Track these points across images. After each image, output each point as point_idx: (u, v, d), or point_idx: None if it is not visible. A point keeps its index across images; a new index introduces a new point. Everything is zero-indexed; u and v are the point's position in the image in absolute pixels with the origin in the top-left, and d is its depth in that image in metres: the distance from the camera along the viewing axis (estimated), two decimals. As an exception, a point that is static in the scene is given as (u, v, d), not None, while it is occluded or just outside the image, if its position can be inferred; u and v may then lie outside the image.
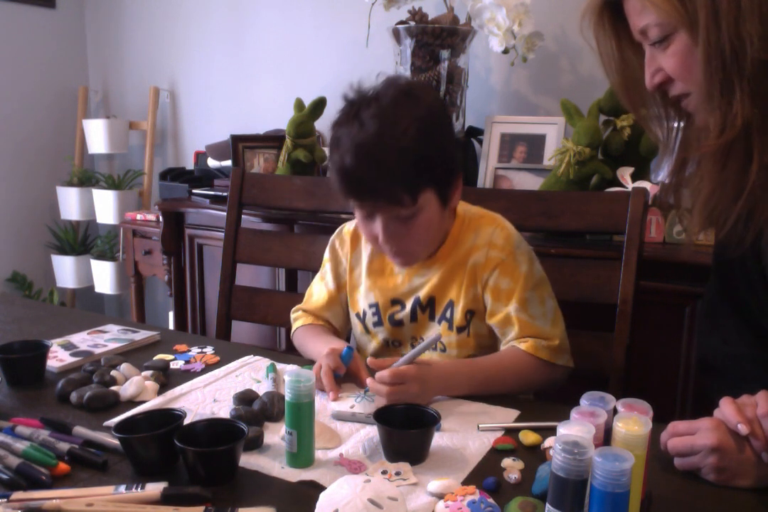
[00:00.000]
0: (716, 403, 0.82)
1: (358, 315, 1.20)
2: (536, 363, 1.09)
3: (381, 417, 0.84)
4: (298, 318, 1.27)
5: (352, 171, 0.99)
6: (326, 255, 1.26)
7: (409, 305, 1.15)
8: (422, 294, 1.14)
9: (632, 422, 0.67)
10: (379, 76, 1.06)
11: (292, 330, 1.28)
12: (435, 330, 1.14)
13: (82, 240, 3.17)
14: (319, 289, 1.26)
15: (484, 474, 0.79)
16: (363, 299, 1.19)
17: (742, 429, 0.76)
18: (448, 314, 1.13)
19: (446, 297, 1.13)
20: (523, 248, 1.13)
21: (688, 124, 0.90)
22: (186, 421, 0.83)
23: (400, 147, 0.98)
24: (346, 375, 1.05)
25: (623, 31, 0.87)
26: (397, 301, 1.17)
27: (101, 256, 3.00)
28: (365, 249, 1.21)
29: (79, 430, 0.87)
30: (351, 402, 0.98)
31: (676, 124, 0.92)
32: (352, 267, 1.21)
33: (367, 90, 1.04)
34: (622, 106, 0.97)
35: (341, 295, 1.24)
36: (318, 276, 1.28)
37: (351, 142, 0.99)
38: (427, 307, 1.14)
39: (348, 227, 1.25)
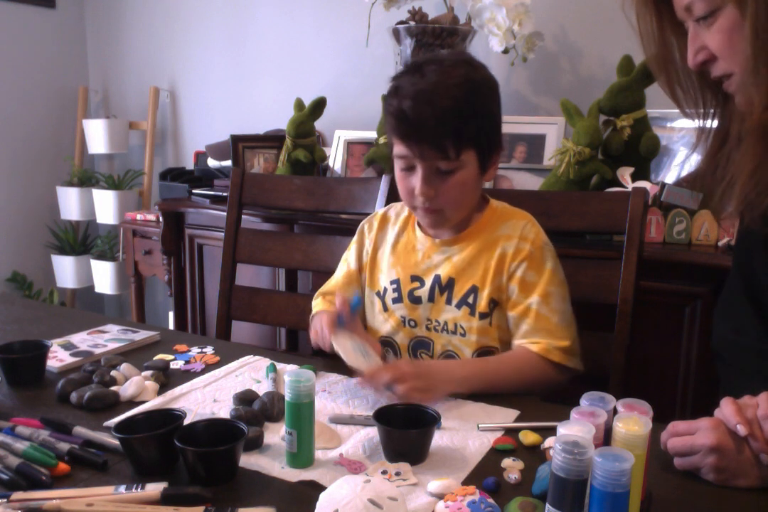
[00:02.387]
0: (722, 394, 0.82)
1: (378, 293, 1.22)
2: (547, 366, 1.10)
3: (381, 417, 0.84)
4: (316, 306, 1.29)
5: (408, 113, 1.05)
6: (354, 238, 1.30)
7: (428, 282, 1.17)
8: (442, 273, 1.16)
9: (632, 422, 0.67)
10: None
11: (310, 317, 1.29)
12: (450, 314, 1.15)
13: (82, 240, 3.17)
14: (339, 270, 1.30)
15: (484, 474, 0.79)
16: (385, 276, 1.22)
17: (741, 429, 0.76)
18: (470, 299, 1.14)
19: (468, 281, 1.15)
20: (551, 247, 1.17)
21: (726, 108, 0.88)
22: (186, 421, 0.83)
23: (455, 97, 1.05)
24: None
25: (665, 9, 0.86)
26: (417, 278, 1.18)
27: (101, 256, 3.00)
28: (392, 229, 1.25)
29: (79, 430, 0.87)
30: (347, 351, 1.02)
31: (712, 110, 0.90)
32: (376, 248, 1.25)
33: (431, 54, 1.15)
34: (660, 87, 0.94)
35: (361, 276, 1.27)
36: (341, 260, 1.32)
37: (411, 87, 1.07)
38: (446, 289, 1.16)
39: (379, 212, 1.30)
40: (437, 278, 1.16)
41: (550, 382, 1.11)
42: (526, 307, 1.12)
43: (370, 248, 1.26)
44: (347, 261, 1.29)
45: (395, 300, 1.20)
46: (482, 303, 1.14)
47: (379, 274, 1.24)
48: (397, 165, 1.13)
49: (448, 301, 1.16)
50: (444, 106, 1.05)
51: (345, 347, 1.03)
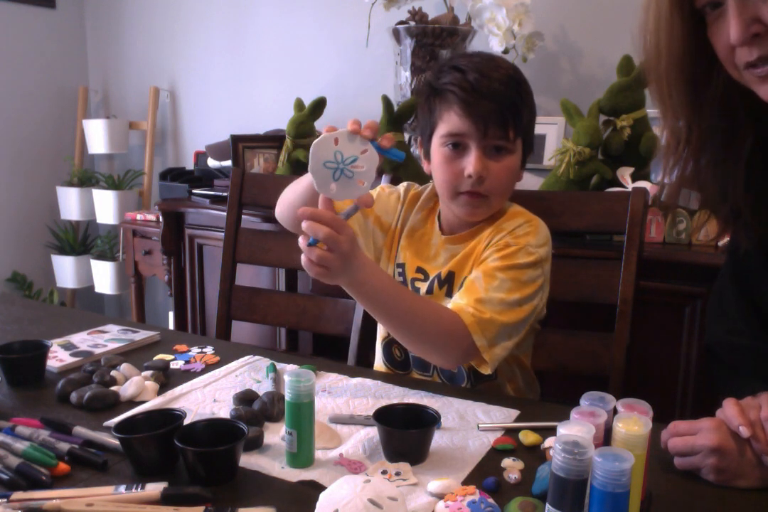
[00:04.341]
0: (718, 393, 0.81)
1: (397, 265, 1.21)
2: (456, 324, 1.01)
3: (381, 417, 0.84)
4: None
5: (476, 85, 1.05)
6: (395, 189, 1.24)
7: (431, 278, 1.16)
8: (443, 269, 1.15)
9: (632, 422, 0.67)
10: None
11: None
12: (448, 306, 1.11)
13: (82, 240, 3.17)
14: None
15: (484, 474, 0.79)
16: (395, 255, 1.21)
17: (744, 431, 0.76)
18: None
19: (464, 273, 1.13)
20: (541, 253, 1.09)
21: (729, 113, 0.83)
22: (186, 421, 0.83)
23: (512, 76, 1.08)
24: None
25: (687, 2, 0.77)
26: (422, 270, 1.18)
27: (101, 256, 3.00)
28: (416, 213, 1.22)
29: (79, 430, 0.87)
30: (329, 181, 0.90)
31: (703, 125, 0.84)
32: (404, 222, 1.21)
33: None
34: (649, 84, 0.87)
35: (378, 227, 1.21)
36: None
37: (471, 64, 1.07)
38: (445, 283, 1.15)
39: (411, 188, 1.25)
40: (438, 274, 1.16)
41: (453, 346, 1.02)
42: (466, 281, 1.07)
43: (401, 216, 1.22)
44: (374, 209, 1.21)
45: None
46: None
47: (396, 247, 1.22)
48: (443, 146, 1.09)
49: (448, 294, 1.15)
50: (507, 81, 1.06)
51: (326, 181, 0.90)
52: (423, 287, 1.17)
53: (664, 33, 0.79)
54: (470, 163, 1.06)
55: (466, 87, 1.05)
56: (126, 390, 1.00)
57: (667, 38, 0.80)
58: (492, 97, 1.05)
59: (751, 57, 0.74)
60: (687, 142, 0.86)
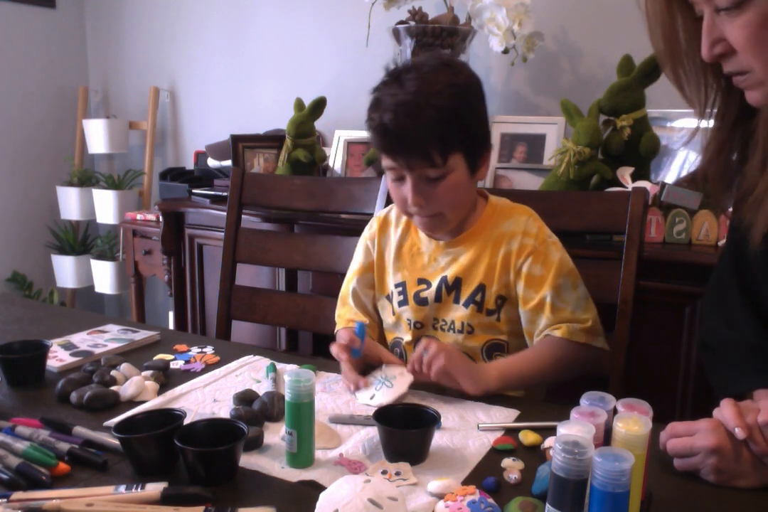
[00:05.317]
0: (714, 388, 0.81)
1: (387, 296, 1.22)
2: (573, 348, 1.10)
3: (381, 417, 0.84)
4: (338, 318, 1.29)
5: (390, 127, 1.04)
6: (359, 243, 1.29)
7: (435, 284, 1.17)
8: (449, 274, 1.16)
9: (632, 422, 0.67)
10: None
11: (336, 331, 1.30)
12: (458, 312, 1.15)
13: (82, 240, 3.17)
14: (349, 272, 1.28)
15: (484, 474, 0.79)
16: (391, 279, 1.22)
17: (740, 433, 0.76)
18: (478, 298, 1.14)
19: (475, 280, 1.15)
20: (555, 239, 1.16)
21: (731, 101, 0.84)
22: (186, 421, 0.83)
23: (436, 106, 1.04)
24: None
25: None
26: (423, 280, 1.18)
27: (101, 256, 3.00)
28: (394, 232, 1.24)
29: (79, 430, 0.87)
30: (372, 392, 1.01)
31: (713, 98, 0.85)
32: (381, 250, 1.25)
33: (408, 61, 1.12)
34: (661, 69, 0.90)
35: (368, 275, 1.26)
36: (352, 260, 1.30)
37: (391, 100, 1.05)
38: (453, 289, 1.16)
39: (378, 215, 1.29)
40: (444, 279, 1.16)
41: (582, 364, 1.13)
42: (540, 302, 1.12)
43: (375, 250, 1.25)
44: (354, 262, 1.28)
45: (401, 303, 1.19)
46: (490, 301, 1.14)
47: (387, 278, 1.23)
48: (387, 176, 1.13)
49: (456, 300, 1.15)
50: (426, 116, 1.03)
51: (370, 392, 1.02)
52: (429, 295, 1.17)
53: (660, 23, 0.81)
54: (408, 192, 1.09)
55: (381, 131, 1.06)
56: (126, 390, 1.00)
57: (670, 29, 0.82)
58: (409, 139, 1.04)
59: (725, 69, 0.79)
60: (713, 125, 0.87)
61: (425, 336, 1.18)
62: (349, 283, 1.27)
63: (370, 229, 1.27)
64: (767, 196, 0.79)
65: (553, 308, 1.11)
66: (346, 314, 1.26)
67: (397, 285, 1.20)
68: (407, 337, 1.20)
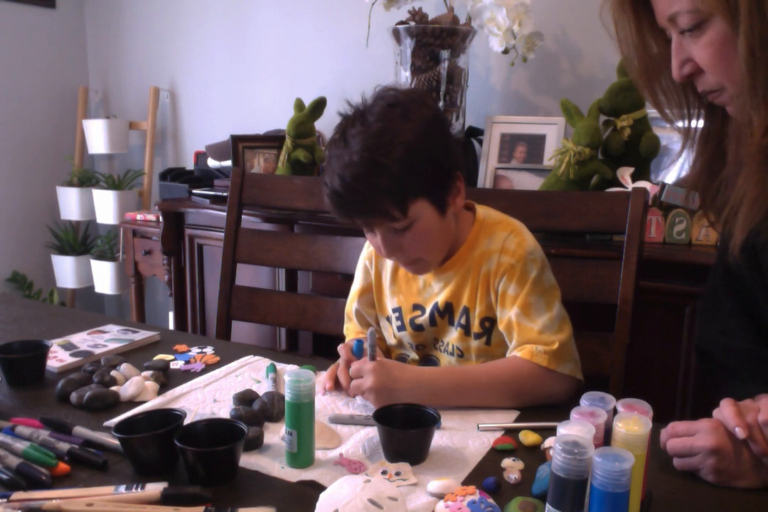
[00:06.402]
0: (715, 394, 0.81)
1: (388, 318, 1.20)
2: (533, 372, 1.02)
3: (381, 417, 0.84)
4: (346, 330, 1.29)
5: (340, 194, 1.00)
6: (358, 263, 1.27)
7: (428, 310, 1.15)
8: (440, 300, 1.13)
9: (632, 422, 0.67)
10: (377, 88, 1.06)
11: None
12: (452, 335, 1.13)
13: (82, 240, 3.17)
14: (351, 291, 1.26)
15: (484, 474, 0.79)
16: (389, 303, 1.20)
17: (740, 433, 0.76)
18: (463, 320, 1.12)
19: (461, 303, 1.12)
20: (536, 255, 1.09)
21: (712, 108, 0.85)
22: (186, 421, 0.83)
23: (384, 164, 0.97)
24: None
25: (645, 15, 0.81)
26: (418, 306, 1.16)
27: (101, 256, 3.00)
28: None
29: (79, 430, 0.87)
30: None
31: (696, 110, 0.86)
32: (379, 271, 1.22)
33: (357, 105, 1.04)
34: (639, 92, 0.91)
35: (368, 295, 1.23)
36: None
37: (337, 162, 1.00)
38: (446, 313, 1.13)
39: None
40: (435, 305, 1.14)
41: (548, 392, 1.03)
42: (508, 320, 1.07)
43: (373, 270, 1.22)
44: (356, 281, 1.26)
45: (399, 328, 1.18)
46: (475, 323, 1.11)
47: (385, 300, 1.21)
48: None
49: (450, 323, 1.14)
50: (374, 176, 0.97)
51: None
52: (424, 322, 1.15)
53: (633, 47, 0.85)
54: (380, 243, 1.06)
55: (332, 197, 1.02)
56: (126, 390, 1.00)
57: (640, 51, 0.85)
58: (360, 203, 1.00)
59: (699, 89, 0.81)
60: (689, 141, 0.89)
61: (428, 354, 1.19)
62: (351, 303, 1.25)
63: (368, 249, 1.23)
64: (741, 208, 0.80)
65: (519, 327, 1.06)
66: (353, 328, 1.26)
67: (394, 311, 1.18)
68: (412, 355, 1.20)
